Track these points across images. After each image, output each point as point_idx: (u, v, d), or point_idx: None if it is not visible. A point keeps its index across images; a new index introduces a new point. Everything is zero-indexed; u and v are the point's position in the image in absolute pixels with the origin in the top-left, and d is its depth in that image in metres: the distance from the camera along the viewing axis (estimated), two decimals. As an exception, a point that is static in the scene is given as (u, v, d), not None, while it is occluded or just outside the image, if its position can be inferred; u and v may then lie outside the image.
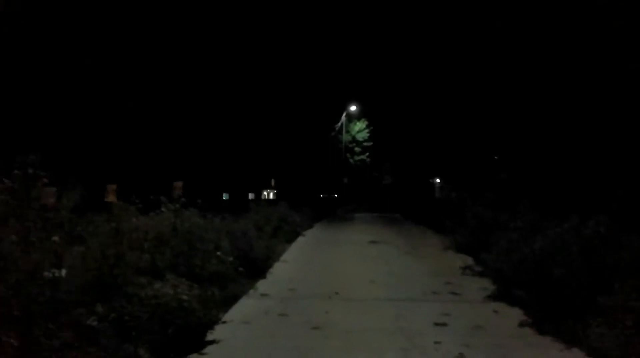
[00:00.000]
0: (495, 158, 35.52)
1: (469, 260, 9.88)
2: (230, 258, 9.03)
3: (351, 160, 44.05)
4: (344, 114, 41.88)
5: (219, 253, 8.80)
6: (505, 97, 19.89)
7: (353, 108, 41.90)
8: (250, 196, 51.50)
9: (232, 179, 43.77)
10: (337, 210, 33.91)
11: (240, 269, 8.96)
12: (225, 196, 44.65)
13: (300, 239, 14.03)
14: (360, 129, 43.97)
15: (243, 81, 37.74)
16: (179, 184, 38.67)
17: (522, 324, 5.57)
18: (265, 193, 58.39)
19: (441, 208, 16.46)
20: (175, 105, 33.01)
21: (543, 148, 11.97)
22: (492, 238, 7.51)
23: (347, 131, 43.13)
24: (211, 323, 5.46)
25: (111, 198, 34.71)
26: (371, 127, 44.51)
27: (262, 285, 7.83)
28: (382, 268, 9.40)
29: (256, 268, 9.16)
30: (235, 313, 6.16)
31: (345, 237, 14.68)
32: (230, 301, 6.74)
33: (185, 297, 6.64)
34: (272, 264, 9.71)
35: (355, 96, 41.81)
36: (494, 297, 6.86)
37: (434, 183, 56.44)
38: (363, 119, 44.32)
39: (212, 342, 4.98)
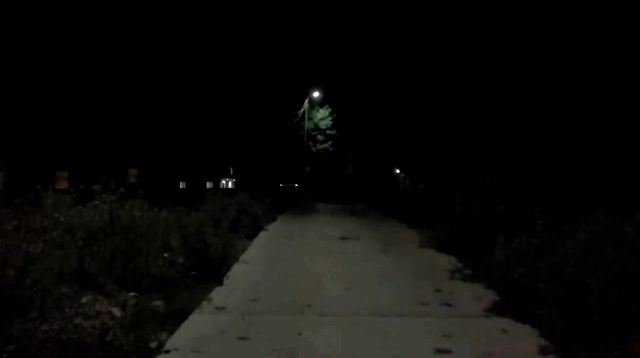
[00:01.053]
0: (459, 149, 35.23)
1: (453, 260, 8.86)
2: (181, 259, 7.75)
3: (313, 148, 42.91)
4: (306, 101, 40.60)
5: (166, 254, 7.50)
6: (477, 78, 19.10)
7: (316, 94, 40.68)
8: (209, 184, 49.90)
9: (190, 167, 42.10)
10: (300, 200, 32.70)
11: (193, 272, 7.71)
12: (182, 185, 43.00)
13: (262, 234, 12.74)
14: (323, 116, 42.83)
15: (201, 66, 36.09)
16: (133, 171, 36.59)
17: (544, 351, 4.51)
18: (223, 181, 56.78)
19: (414, 200, 15.51)
20: (131, 90, 31.28)
21: (532, 132, 11.07)
22: (497, 238, 6.39)
23: (310, 118, 41.92)
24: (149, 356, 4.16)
25: (62, 185, 32.55)
26: (334, 115, 43.46)
27: (218, 294, 6.53)
28: (357, 270, 8.26)
29: (212, 270, 7.89)
30: (183, 335, 4.86)
31: (313, 232, 13.49)
32: (178, 317, 5.43)
33: (117, 313, 5.34)
34: (230, 265, 8.44)
35: (318, 82, 40.63)
36: (496, 310, 5.81)
37: (397, 174, 56.19)
38: (326, 107, 43.18)
39: (148, 387, 3.68)
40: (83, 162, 32.68)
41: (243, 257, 9.22)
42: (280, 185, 45.28)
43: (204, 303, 6.04)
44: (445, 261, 8.95)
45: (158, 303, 6.19)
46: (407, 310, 5.88)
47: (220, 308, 5.84)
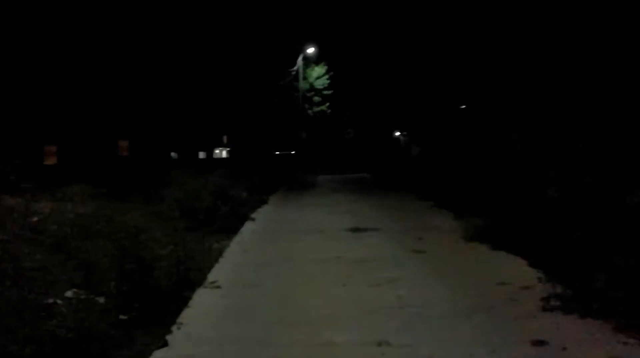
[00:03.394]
0: (463, 106, 32.22)
1: (521, 265, 6.22)
2: (102, 298, 4.96)
3: (310, 111, 39.70)
4: (300, 58, 37.18)
5: (70, 292, 4.71)
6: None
7: (310, 50, 37.17)
8: (202, 154, 47.17)
9: (181, 137, 39.67)
10: (296, 171, 29.80)
11: (122, 317, 4.93)
12: (174, 155, 40.43)
13: (247, 227, 9.87)
14: (319, 75, 39.44)
15: (190, 26, 33.69)
16: (124, 143, 34.29)
17: None
18: (217, 151, 53.98)
19: (439, 172, 12.66)
20: (118, 59, 29.15)
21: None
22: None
23: (305, 78, 38.55)
24: None
25: (51, 160, 30.12)
26: (331, 73, 40.14)
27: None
28: (386, 295, 5.44)
29: (157, 308, 5.10)
30: None
31: (313, 221, 10.60)
32: None
33: None
34: (191, 291, 5.65)
35: (312, 36, 37.21)
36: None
37: (399, 137, 53.23)
38: (322, 64, 39.77)
39: None
40: (72, 135, 30.85)
41: (213, 274, 6.39)
42: (277, 153, 42.56)
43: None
44: (516, 269, 6.21)
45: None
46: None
47: None
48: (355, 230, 9.26)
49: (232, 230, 9.29)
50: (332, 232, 9.10)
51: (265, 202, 13.53)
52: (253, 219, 10.69)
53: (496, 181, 7.86)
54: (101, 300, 4.79)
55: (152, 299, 5.18)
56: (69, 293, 4.61)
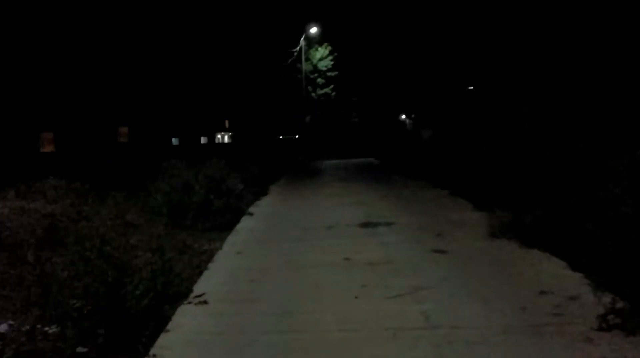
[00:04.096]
0: (471, 88, 31.15)
1: (561, 267, 5.42)
2: (54, 327, 4.10)
3: (313, 94, 38.65)
4: (302, 38, 36.08)
5: (10, 321, 3.87)
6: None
7: (313, 30, 36.07)
8: (203, 140, 46.36)
9: (182, 122, 38.91)
10: (300, 157, 28.90)
11: (81, 349, 4.08)
12: (175, 141, 39.63)
13: (243, 224, 9.00)
14: (322, 56, 38.35)
15: (190, 7, 32.85)
16: (124, 129, 33.64)
17: None
18: (219, 135, 53.13)
19: (457, 161, 11.74)
20: (115, 40, 28.44)
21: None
22: None
23: (307, 59, 37.45)
24: None
25: (49, 148, 29.35)
26: (335, 54, 39.04)
27: None
28: (408, 311, 4.57)
29: (129, 332, 4.28)
30: None
31: (318, 214, 9.70)
32: None
33: None
34: (173, 308, 4.82)
35: (314, 16, 36.08)
36: None
37: (405, 120, 52.16)
38: (325, 45, 38.66)
39: None
40: (70, 121, 30.15)
41: (200, 285, 5.53)
42: (280, 137, 41.74)
43: None
44: (556, 273, 5.38)
45: None
46: None
47: None
48: (367, 224, 8.38)
49: (226, 227, 8.44)
50: (340, 228, 8.23)
51: (265, 193, 12.67)
52: (251, 214, 9.82)
53: (529, 169, 6.95)
54: (54, 328, 3.94)
55: (122, 322, 4.35)
56: (13, 321, 3.77)
